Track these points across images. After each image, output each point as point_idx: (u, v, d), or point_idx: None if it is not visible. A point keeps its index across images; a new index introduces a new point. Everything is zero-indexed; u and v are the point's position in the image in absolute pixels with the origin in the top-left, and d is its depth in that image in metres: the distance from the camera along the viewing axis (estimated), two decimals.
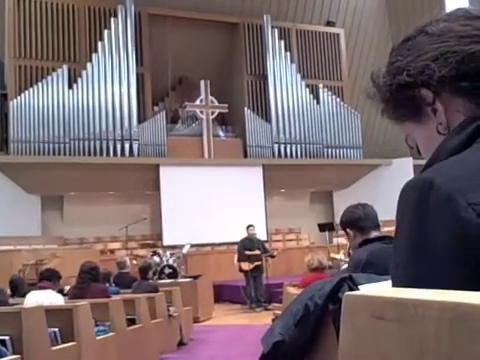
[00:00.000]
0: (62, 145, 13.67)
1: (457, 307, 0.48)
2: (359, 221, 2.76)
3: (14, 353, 4.02)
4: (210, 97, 15.40)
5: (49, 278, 5.85)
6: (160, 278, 10.45)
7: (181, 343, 7.48)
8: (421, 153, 0.87)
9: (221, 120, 16.29)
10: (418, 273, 0.63)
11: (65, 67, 14.14)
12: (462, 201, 0.60)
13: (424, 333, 0.50)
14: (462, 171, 0.64)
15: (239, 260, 10.67)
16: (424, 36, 0.83)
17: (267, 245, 12.15)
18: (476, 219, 0.59)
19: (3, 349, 3.96)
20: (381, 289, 0.64)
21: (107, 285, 7.20)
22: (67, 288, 7.23)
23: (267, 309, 10.04)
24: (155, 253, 11.53)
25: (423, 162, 0.79)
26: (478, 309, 0.46)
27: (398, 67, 0.83)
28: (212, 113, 15.39)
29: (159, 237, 14.51)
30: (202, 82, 15.41)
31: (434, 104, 0.80)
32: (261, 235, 12.64)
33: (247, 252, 10.58)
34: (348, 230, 2.81)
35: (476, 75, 0.76)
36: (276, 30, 16.41)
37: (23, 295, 5.80)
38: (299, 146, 16.03)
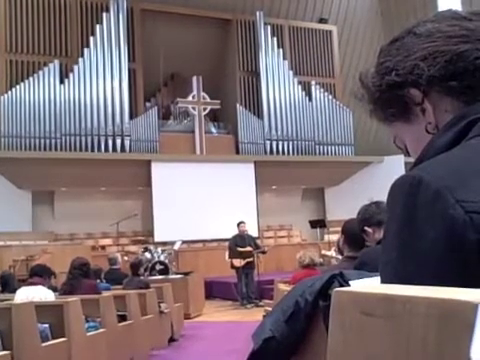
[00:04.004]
0: (53, 140, 13.60)
1: (445, 303, 0.48)
2: (374, 216, 2.78)
3: (4, 349, 4.01)
4: (202, 93, 15.38)
5: (40, 274, 5.83)
6: (151, 274, 10.44)
7: (172, 339, 7.48)
8: (410, 153, 0.88)
9: (213, 116, 16.28)
10: (407, 270, 0.63)
11: (56, 62, 14.07)
12: (450, 198, 0.60)
13: (412, 329, 0.50)
14: (450, 169, 0.64)
15: (231, 257, 10.68)
16: (412, 37, 0.83)
17: (259, 242, 12.17)
18: (464, 216, 0.59)
19: None
20: (370, 285, 0.65)
21: (98, 281, 7.19)
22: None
23: (258, 306, 10.06)
24: (146, 249, 11.51)
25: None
26: (465, 305, 0.47)
27: (387, 67, 0.84)
28: (204, 109, 15.37)
29: (150, 233, 14.50)
30: (194, 78, 15.38)
31: (423, 104, 0.81)
32: (252, 232, 12.66)
33: (239, 249, 10.59)
34: (366, 228, 2.82)
35: (464, 74, 0.77)
36: (269, 27, 16.40)
37: (13, 291, 5.77)
38: (291, 143, 16.04)
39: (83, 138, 13.85)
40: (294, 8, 17.27)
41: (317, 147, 16.41)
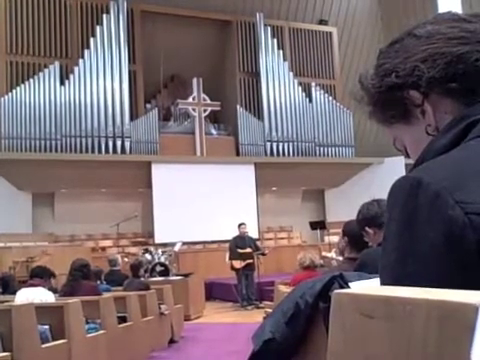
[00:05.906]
0: (53, 142, 13.60)
1: (445, 305, 0.48)
2: (376, 217, 2.63)
3: (4, 350, 4.01)
4: (202, 95, 15.38)
5: (40, 275, 5.83)
6: (151, 276, 10.43)
7: (172, 341, 7.48)
8: (409, 155, 0.88)
9: (213, 118, 16.28)
10: (406, 271, 0.63)
11: (57, 63, 14.07)
12: (450, 199, 0.60)
13: (412, 331, 0.50)
14: (450, 170, 0.64)
15: (231, 258, 10.67)
16: (412, 38, 0.83)
17: (259, 243, 12.16)
18: (463, 217, 0.59)
19: None
20: (370, 287, 0.65)
21: (98, 283, 7.19)
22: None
23: (258, 307, 10.05)
24: (146, 251, 11.51)
25: None
26: (465, 307, 0.47)
27: (387, 69, 0.84)
28: (204, 111, 15.38)
29: (151, 235, 14.49)
30: (194, 79, 15.39)
31: (423, 105, 0.81)
32: (253, 233, 12.65)
33: (239, 250, 10.58)
34: (366, 228, 2.71)
35: (464, 76, 0.77)
36: (269, 28, 16.41)
37: (13, 292, 5.77)
38: (291, 144, 16.04)
39: (83, 139, 13.85)
40: (294, 9, 17.28)
41: (317, 148, 16.41)
